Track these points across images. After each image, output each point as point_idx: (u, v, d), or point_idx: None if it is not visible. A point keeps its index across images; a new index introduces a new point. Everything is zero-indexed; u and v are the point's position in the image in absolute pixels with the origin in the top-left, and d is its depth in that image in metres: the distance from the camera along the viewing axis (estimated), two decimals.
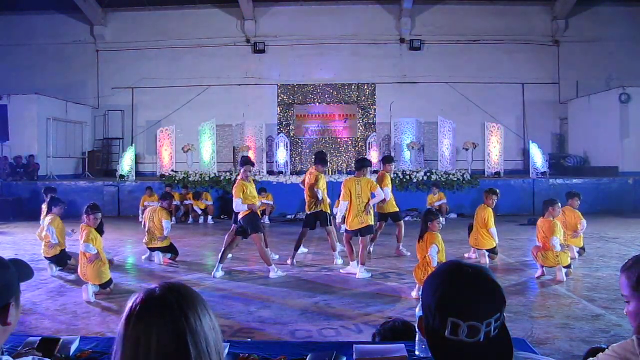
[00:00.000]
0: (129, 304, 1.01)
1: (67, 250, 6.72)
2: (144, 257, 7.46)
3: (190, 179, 13.26)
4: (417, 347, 1.91)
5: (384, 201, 7.17)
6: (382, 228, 7.90)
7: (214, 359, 1.00)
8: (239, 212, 6.45)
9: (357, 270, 6.24)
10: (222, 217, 12.72)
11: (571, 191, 7.77)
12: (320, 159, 7.39)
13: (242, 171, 6.63)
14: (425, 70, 17.30)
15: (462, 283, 1.05)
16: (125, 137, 17.83)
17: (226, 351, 1.98)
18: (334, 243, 7.15)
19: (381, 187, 6.77)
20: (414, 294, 5.26)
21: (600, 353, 1.58)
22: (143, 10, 17.58)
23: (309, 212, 7.27)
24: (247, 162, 6.71)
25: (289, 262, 7.01)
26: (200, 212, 12.18)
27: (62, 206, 6.83)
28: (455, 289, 1.05)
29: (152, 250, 7.32)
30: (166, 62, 17.47)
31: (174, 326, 0.96)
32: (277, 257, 7.31)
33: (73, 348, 2.01)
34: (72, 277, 6.25)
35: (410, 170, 13.61)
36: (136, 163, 15.39)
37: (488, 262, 6.85)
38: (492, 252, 6.96)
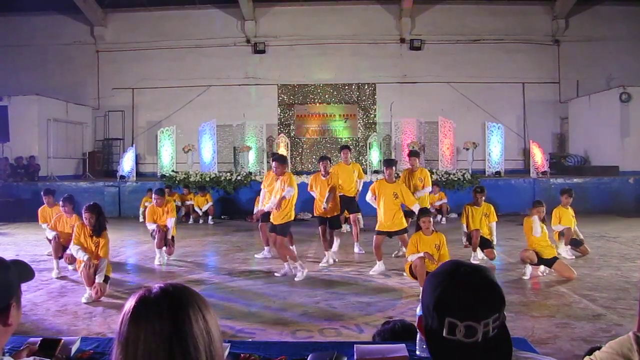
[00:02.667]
0: (126, 304, 1.01)
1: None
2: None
3: (191, 179, 13.27)
4: (417, 347, 1.91)
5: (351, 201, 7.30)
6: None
7: None
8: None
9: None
10: (222, 217, 12.73)
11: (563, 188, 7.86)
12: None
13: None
14: (426, 70, 17.30)
15: (459, 283, 1.05)
16: (125, 137, 17.83)
17: (227, 351, 1.98)
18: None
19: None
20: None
21: (597, 351, 1.58)
22: (143, 10, 17.59)
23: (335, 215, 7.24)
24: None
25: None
26: (200, 212, 12.19)
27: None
28: (452, 289, 1.05)
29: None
30: (166, 62, 17.47)
31: (160, 328, 0.96)
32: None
33: (74, 349, 2.01)
34: (73, 277, 6.25)
35: None
36: (136, 163, 15.39)
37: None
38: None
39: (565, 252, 7.23)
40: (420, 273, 5.31)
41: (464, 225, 6.98)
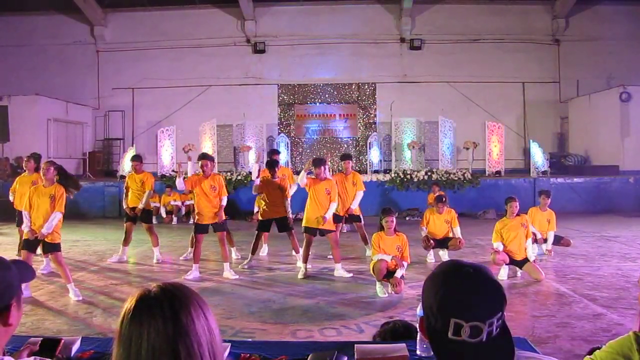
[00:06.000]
0: (126, 304, 1.02)
1: None
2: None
3: None
4: (418, 347, 1.90)
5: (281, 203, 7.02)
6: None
7: None
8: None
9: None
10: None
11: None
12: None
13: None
14: (426, 70, 17.29)
15: (462, 283, 1.05)
16: (125, 137, 17.83)
17: (227, 351, 1.98)
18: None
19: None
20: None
21: (597, 350, 1.58)
22: (143, 10, 17.58)
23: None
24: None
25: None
26: None
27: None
28: (456, 290, 1.05)
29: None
30: (166, 62, 17.46)
31: (164, 326, 0.97)
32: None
33: (74, 349, 2.01)
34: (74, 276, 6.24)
35: (411, 170, 13.63)
36: None
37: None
38: None
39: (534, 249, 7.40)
40: (378, 269, 5.30)
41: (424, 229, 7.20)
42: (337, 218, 7.15)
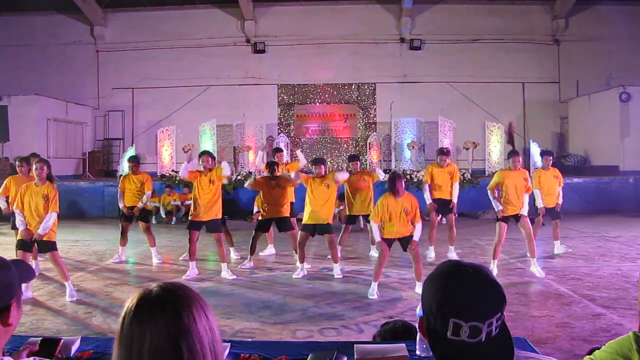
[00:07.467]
0: (126, 304, 1.02)
1: None
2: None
3: None
4: (417, 347, 1.90)
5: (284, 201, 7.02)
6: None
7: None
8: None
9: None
10: (222, 217, 12.69)
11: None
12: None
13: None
14: (426, 70, 17.29)
15: (462, 283, 1.05)
16: (125, 137, 17.83)
17: (227, 351, 1.98)
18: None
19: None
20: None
21: (597, 351, 1.58)
22: (143, 10, 17.57)
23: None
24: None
25: None
26: None
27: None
28: (456, 290, 1.05)
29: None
30: (166, 62, 17.46)
31: (166, 326, 0.97)
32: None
33: (74, 348, 2.01)
34: (72, 276, 6.24)
35: (411, 170, 13.63)
36: None
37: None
38: None
39: (559, 248, 7.41)
40: (379, 264, 5.41)
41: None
42: (350, 219, 7.27)
